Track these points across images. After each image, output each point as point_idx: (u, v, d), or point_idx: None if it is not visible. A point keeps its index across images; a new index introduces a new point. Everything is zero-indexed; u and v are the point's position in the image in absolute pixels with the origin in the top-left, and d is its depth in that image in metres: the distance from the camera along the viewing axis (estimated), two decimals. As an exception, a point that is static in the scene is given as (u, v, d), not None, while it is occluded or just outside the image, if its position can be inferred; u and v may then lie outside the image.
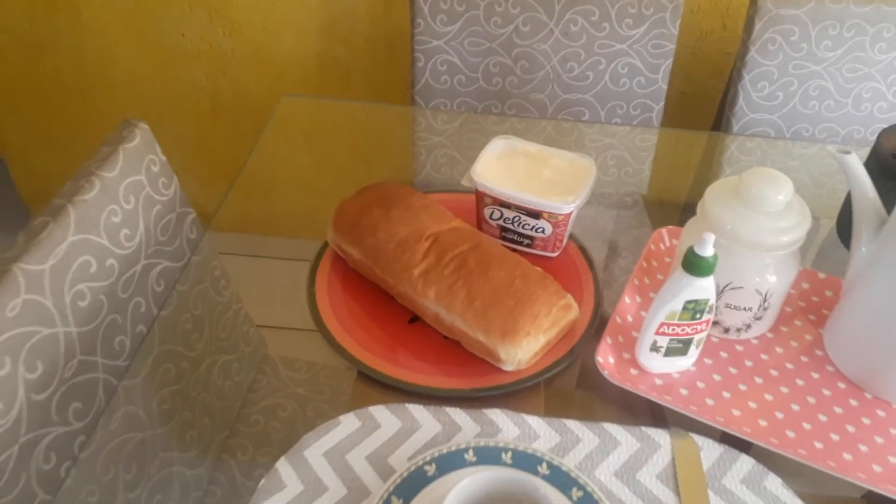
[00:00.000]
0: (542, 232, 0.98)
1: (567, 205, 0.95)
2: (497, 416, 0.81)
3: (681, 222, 0.99)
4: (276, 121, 1.49)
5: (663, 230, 1.05)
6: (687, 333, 0.83)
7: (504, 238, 1.01)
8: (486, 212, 1.00)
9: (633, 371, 0.87)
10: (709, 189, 0.90)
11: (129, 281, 1.04)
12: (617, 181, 1.26)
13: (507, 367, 0.85)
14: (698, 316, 0.81)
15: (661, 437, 0.80)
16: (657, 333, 0.83)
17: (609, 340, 0.89)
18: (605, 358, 0.87)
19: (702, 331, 0.83)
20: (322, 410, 0.96)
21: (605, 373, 0.85)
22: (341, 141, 1.50)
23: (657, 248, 1.04)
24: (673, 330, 0.82)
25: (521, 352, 0.84)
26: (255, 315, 1.08)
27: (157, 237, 1.12)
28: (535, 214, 0.96)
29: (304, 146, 1.58)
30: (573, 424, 0.81)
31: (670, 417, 0.84)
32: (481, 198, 0.99)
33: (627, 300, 0.95)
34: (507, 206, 0.97)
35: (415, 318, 0.93)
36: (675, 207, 1.25)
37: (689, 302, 0.79)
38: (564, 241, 1.00)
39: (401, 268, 0.89)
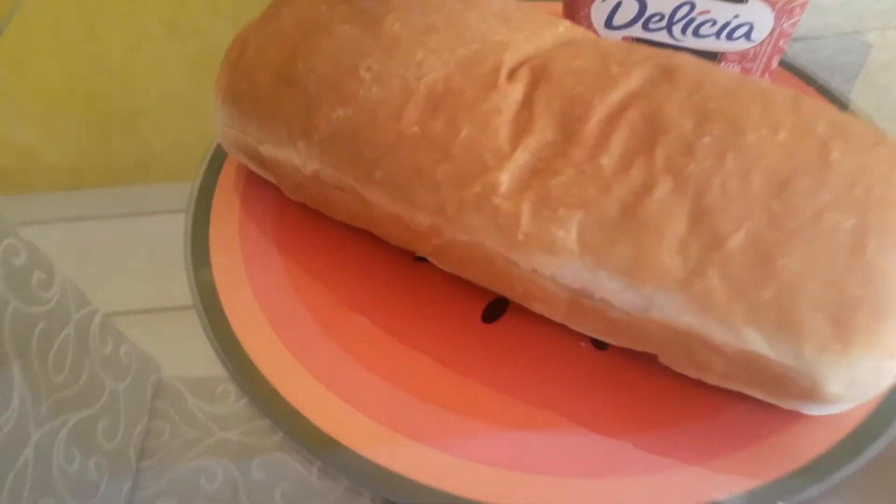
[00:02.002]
0: (748, 35, 0.39)
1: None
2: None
3: None
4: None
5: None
6: None
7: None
8: (599, 5, 0.40)
9: None
10: None
11: None
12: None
13: (832, 408, 0.28)
14: None
15: None
16: None
17: None
18: None
19: None
20: (277, 466, 0.41)
21: None
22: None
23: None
24: None
25: (894, 365, 0.26)
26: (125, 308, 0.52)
27: None
28: (740, -12, 0.37)
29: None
30: None
31: None
32: (585, -25, 0.39)
33: None
34: (665, -23, 0.38)
35: (498, 306, 0.34)
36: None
37: None
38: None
39: (457, 174, 0.29)
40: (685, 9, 0.39)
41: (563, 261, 0.29)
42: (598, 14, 0.40)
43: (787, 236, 0.26)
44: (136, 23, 1.02)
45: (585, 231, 0.28)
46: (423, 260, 0.35)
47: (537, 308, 0.32)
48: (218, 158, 0.40)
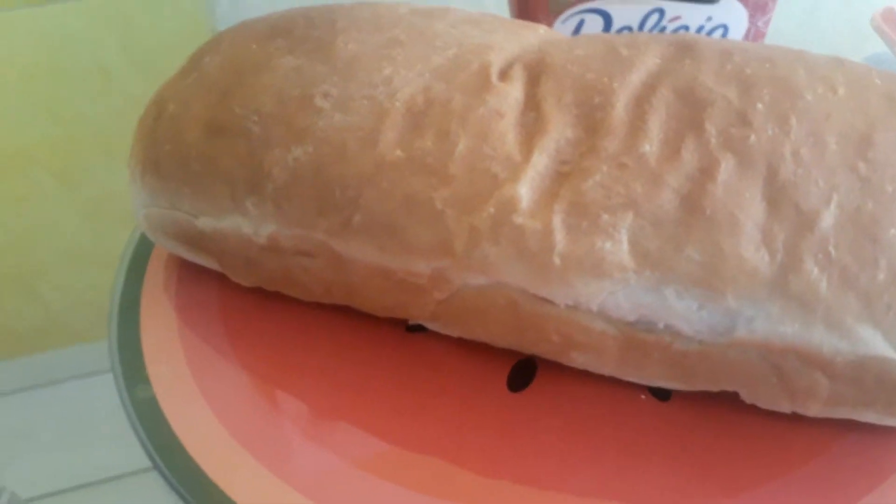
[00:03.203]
0: (723, 36, 0.36)
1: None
2: None
3: None
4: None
5: (894, 6, 0.48)
6: None
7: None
8: (562, 20, 0.36)
9: None
10: None
11: None
12: None
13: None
14: None
15: None
16: None
17: None
18: None
19: None
20: None
21: None
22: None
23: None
24: None
25: None
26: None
27: None
28: (711, -15, 0.35)
29: None
30: None
31: None
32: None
33: None
34: (630, -18, 0.34)
35: (526, 369, 0.27)
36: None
37: None
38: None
39: (462, 196, 0.23)
40: (654, 17, 0.36)
41: (615, 284, 0.23)
42: (559, 21, 0.36)
43: (888, 202, 0.22)
44: (24, 177, 0.95)
45: (640, 238, 0.22)
46: (418, 329, 0.29)
47: (578, 361, 0.26)
48: (140, 255, 0.33)
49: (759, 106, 0.23)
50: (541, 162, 0.23)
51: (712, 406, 0.26)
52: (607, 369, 0.26)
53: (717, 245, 0.22)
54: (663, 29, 0.36)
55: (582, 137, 0.23)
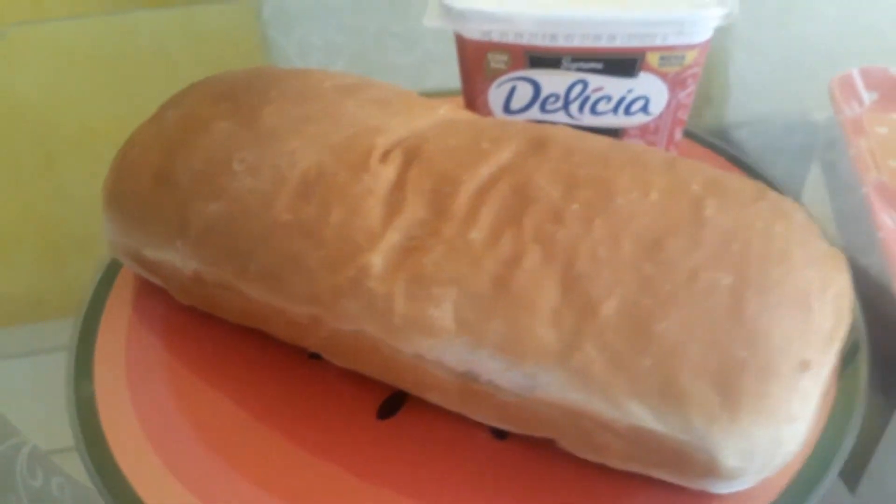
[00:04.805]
0: (645, 109, 0.41)
1: (710, 17, 0.38)
2: None
3: None
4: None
5: (853, 73, 0.51)
6: None
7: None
8: (497, 85, 0.42)
9: None
10: None
11: None
12: None
13: (737, 483, 0.28)
14: None
15: None
16: None
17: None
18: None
19: None
20: None
21: None
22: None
23: (859, 123, 0.49)
24: None
25: (792, 429, 0.26)
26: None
27: None
28: (626, 65, 0.39)
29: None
30: None
31: None
32: (477, 54, 0.41)
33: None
34: (551, 57, 0.40)
35: (396, 400, 0.33)
36: None
37: None
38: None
39: (331, 258, 0.29)
40: (578, 87, 0.41)
41: (442, 342, 0.29)
42: (496, 100, 0.42)
43: (663, 300, 0.27)
44: (93, 152, 1.04)
45: (460, 308, 0.28)
46: (317, 356, 0.35)
47: (432, 398, 0.32)
48: (114, 266, 0.40)
49: (575, 206, 0.28)
50: (394, 237, 0.29)
51: (539, 450, 0.32)
52: (454, 407, 0.32)
53: (517, 321, 0.27)
54: (587, 98, 0.41)
55: (429, 219, 0.29)
